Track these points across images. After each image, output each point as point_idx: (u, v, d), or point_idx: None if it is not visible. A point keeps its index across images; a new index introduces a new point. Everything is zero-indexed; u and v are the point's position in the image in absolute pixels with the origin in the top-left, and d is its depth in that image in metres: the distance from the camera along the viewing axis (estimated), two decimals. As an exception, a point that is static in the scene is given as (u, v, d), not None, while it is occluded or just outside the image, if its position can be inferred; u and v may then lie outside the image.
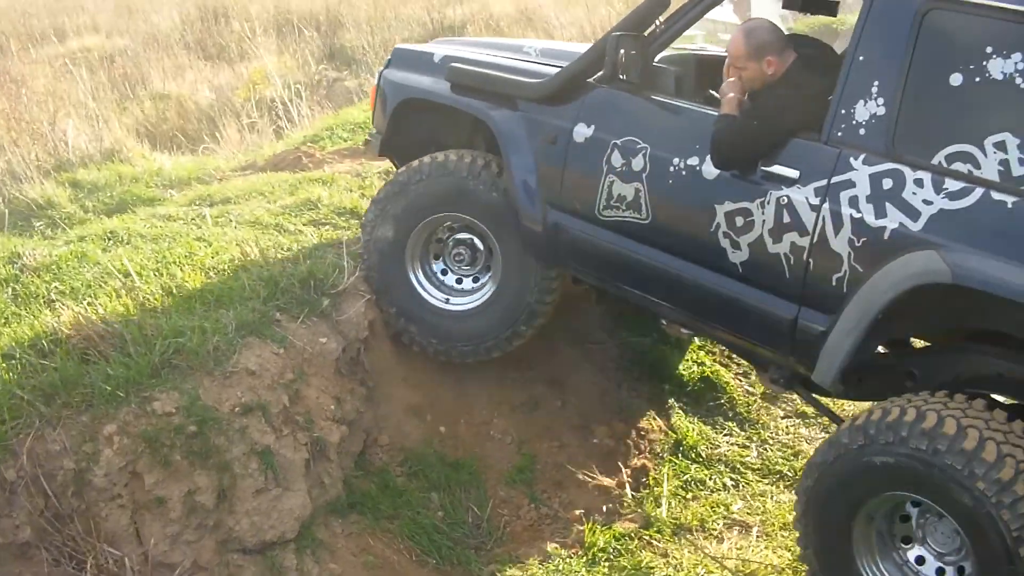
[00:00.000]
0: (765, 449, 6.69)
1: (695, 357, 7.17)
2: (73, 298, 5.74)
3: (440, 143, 6.25)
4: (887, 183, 4.31)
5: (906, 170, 4.27)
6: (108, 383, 4.99)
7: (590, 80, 5.43)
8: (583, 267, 5.66)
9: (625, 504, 6.10)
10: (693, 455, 6.54)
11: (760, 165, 4.70)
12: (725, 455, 6.57)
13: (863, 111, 4.41)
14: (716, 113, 4.94)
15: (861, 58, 4.45)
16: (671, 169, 5.02)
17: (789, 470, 6.44)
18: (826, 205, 4.46)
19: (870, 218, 4.33)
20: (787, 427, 6.91)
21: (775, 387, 5.41)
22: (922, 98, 4.28)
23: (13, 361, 5.12)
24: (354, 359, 5.95)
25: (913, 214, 4.22)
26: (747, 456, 6.60)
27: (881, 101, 4.36)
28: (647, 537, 5.76)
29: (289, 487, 5.26)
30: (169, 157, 9.24)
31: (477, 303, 6.06)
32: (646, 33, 5.24)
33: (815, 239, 4.50)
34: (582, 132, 5.38)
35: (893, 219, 4.27)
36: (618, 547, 5.68)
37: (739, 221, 4.77)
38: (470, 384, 6.44)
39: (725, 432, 6.77)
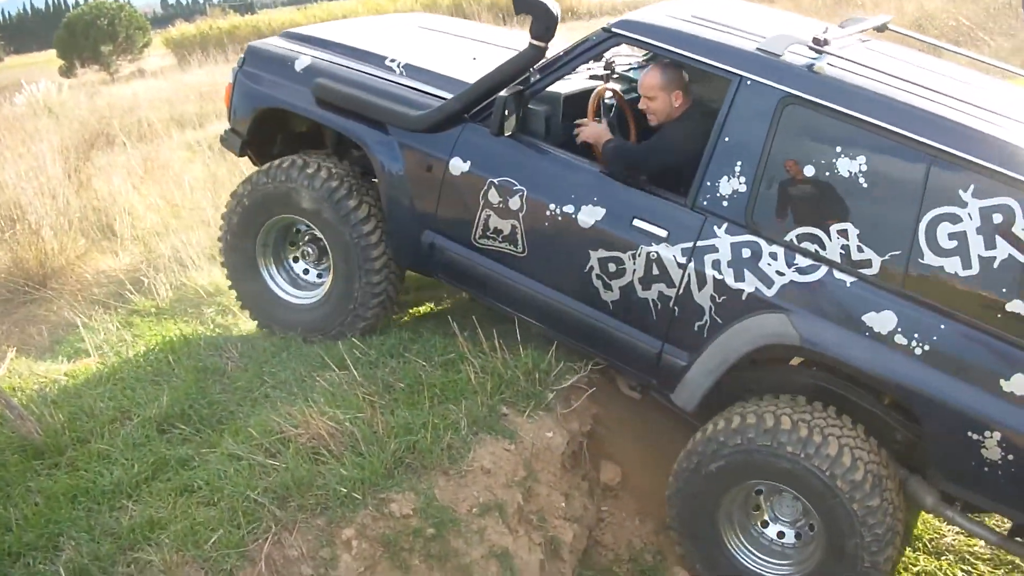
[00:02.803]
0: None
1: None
2: (285, 392, 5.52)
3: (298, 144, 6.51)
4: (746, 252, 4.91)
5: (763, 243, 4.87)
6: (343, 484, 4.76)
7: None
8: (458, 283, 5.99)
9: None
10: (920, 546, 6.16)
11: (632, 220, 5.18)
12: (952, 545, 6.16)
13: (727, 186, 4.93)
14: (587, 165, 5.41)
15: (727, 139, 4.93)
16: (547, 213, 5.37)
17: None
18: (691, 264, 5.01)
19: (730, 280, 4.93)
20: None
21: (632, 393, 5.97)
22: (779, 182, 4.83)
23: (241, 462, 4.91)
24: (576, 453, 5.64)
25: (768, 281, 4.86)
26: (975, 546, 6.17)
27: (743, 180, 4.89)
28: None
29: (527, 590, 4.95)
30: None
31: (317, 297, 6.24)
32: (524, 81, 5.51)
33: (680, 291, 5.07)
34: (458, 166, 5.62)
35: (750, 284, 4.89)
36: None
37: (611, 267, 5.25)
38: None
39: (945, 520, 6.33)
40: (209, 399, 5.58)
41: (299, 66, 6.12)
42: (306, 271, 6.39)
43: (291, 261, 6.43)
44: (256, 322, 6.57)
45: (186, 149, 12.01)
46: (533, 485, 5.23)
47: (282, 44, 6.46)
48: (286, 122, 6.50)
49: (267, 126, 6.43)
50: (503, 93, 5.37)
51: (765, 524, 5.24)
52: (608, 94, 5.91)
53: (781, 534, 5.20)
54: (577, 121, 5.69)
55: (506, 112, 5.36)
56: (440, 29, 7.17)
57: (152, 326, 7.68)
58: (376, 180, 6.02)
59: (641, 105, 5.54)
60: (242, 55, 6.47)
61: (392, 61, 6.06)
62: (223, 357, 6.08)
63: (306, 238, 6.31)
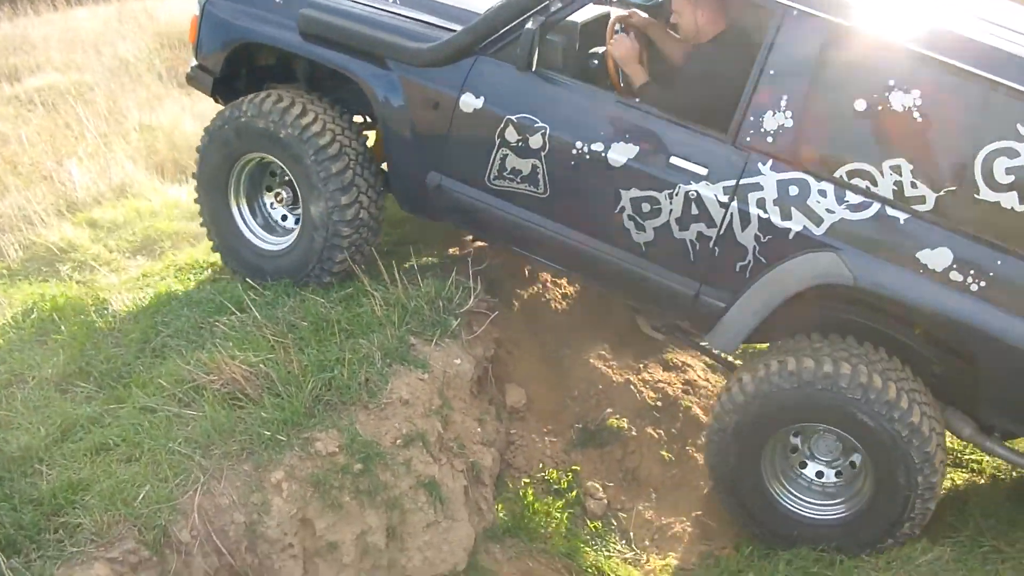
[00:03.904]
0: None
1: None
2: (184, 340, 5.37)
3: (264, 79, 6.12)
4: (793, 189, 4.74)
5: (811, 180, 4.72)
6: (266, 427, 4.69)
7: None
8: (468, 227, 5.83)
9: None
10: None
11: (669, 158, 4.94)
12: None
13: (772, 121, 4.75)
14: (620, 100, 5.15)
15: (772, 72, 4.73)
16: (573, 152, 5.09)
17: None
18: (734, 203, 4.82)
19: (776, 219, 4.77)
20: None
21: (655, 334, 5.93)
22: (828, 117, 4.69)
23: (156, 414, 4.77)
24: (482, 378, 5.68)
25: (816, 220, 4.71)
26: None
27: (789, 114, 4.71)
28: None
29: (454, 517, 5.01)
30: (180, 188, 8.78)
31: (289, 242, 5.88)
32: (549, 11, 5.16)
33: (722, 231, 4.88)
34: (470, 103, 5.30)
35: (798, 222, 4.74)
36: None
37: (645, 207, 5.01)
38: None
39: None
40: (105, 354, 5.38)
41: None
42: (284, 217, 6.02)
43: (266, 205, 6.06)
44: (228, 266, 6.18)
45: (7, 105, 11.41)
46: (449, 413, 5.22)
47: None
48: (252, 57, 6.08)
49: (233, 62, 5.99)
50: (531, 25, 5.06)
51: (803, 466, 5.19)
52: (617, 25, 5.53)
53: (820, 474, 5.16)
54: (595, 50, 5.47)
55: (535, 45, 5.06)
56: None
57: (7, 288, 7.32)
58: (355, 118, 5.78)
59: (673, 19, 5.26)
60: None
61: None
62: (109, 311, 5.85)
63: (281, 180, 5.95)
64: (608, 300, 6.45)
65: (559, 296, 6.75)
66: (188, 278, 6.34)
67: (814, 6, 4.64)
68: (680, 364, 6.71)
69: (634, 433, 6.07)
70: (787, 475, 5.17)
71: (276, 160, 5.70)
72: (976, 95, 4.43)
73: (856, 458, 5.02)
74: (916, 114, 4.50)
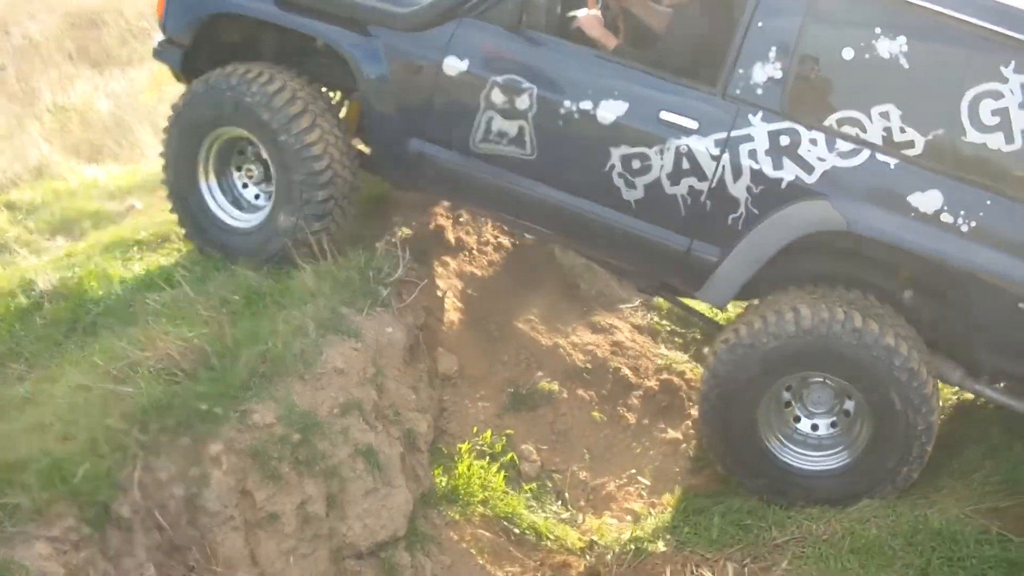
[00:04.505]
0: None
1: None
2: (115, 317, 5.36)
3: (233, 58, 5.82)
4: (784, 139, 4.84)
5: (801, 129, 4.82)
6: (202, 401, 4.68)
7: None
8: (452, 194, 5.85)
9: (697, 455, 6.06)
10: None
11: (659, 113, 5.01)
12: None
13: (760, 72, 4.85)
14: (607, 57, 5.23)
15: (759, 23, 4.82)
16: (561, 111, 5.12)
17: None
18: (726, 155, 4.89)
19: (768, 169, 4.86)
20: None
21: (642, 294, 6.09)
22: (816, 66, 4.81)
23: (91, 392, 4.74)
24: (414, 346, 5.72)
25: (808, 168, 4.81)
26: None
27: (778, 65, 4.82)
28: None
29: (392, 483, 5.04)
30: (98, 168, 8.70)
31: (258, 220, 5.79)
32: None
33: (713, 184, 4.95)
34: (454, 65, 5.28)
35: (790, 171, 4.83)
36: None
37: (635, 164, 5.05)
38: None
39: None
40: (35, 334, 5.35)
41: None
42: (257, 196, 5.89)
43: (236, 181, 5.90)
44: (194, 244, 6.02)
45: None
46: (383, 381, 5.26)
47: None
48: (216, 33, 5.89)
49: (198, 37, 5.82)
50: None
51: (797, 420, 5.24)
52: None
53: (815, 427, 5.22)
54: (572, 13, 5.50)
55: (525, 2, 5.05)
56: None
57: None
58: (326, 89, 5.70)
59: None
60: None
61: None
62: (36, 291, 5.80)
63: (252, 156, 5.80)
64: (536, 265, 6.54)
65: (486, 263, 6.81)
66: (114, 256, 6.28)
67: None
68: (608, 326, 6.82)
69: (565, 395, 6.19)
70: (783, 430, 5.22)
71: (251, 136, 5.59)
72: (960, 39, 4.60)
73: (849, 405, 5.10)
74: (903, 60, 4.65)
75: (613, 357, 6.55)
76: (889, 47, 4.65)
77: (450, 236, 6.66)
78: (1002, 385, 5.24)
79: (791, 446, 5.20)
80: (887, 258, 4.97)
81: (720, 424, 5.16)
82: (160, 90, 10.31)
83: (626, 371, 6.46)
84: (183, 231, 6.08)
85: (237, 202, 5.90)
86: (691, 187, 4.98)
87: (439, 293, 6.15)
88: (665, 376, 6.54)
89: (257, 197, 5.90)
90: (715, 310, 6.08)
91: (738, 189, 4.91)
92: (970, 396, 5.71)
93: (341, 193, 5.61)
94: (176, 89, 6.16)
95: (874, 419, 4.96)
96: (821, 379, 5.08)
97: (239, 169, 5.88)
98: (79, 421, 4.57)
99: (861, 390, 4.93)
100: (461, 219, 6.83)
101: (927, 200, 4.69)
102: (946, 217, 4.67)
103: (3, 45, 12.51)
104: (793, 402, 5.20)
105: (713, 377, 5.08)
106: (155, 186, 7.58)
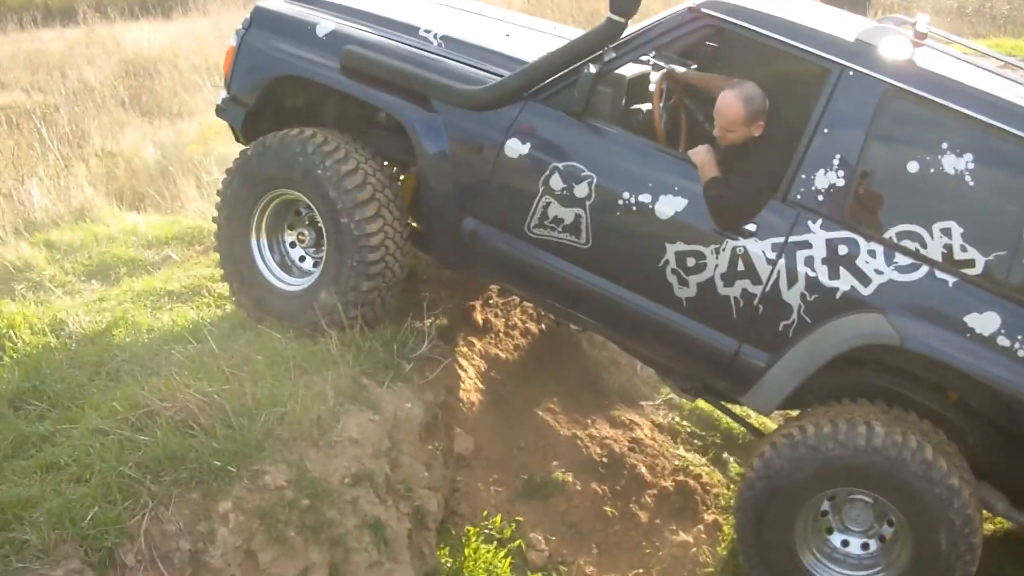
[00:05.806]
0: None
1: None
2: (139, 365, 5.39)
3: (295, 121, 5.81)
4: (842, 249, 4.76)
5: (860, 240, 4.74)
6: (216, 457, 4.70)
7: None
8: (501, 276, 5.70)
9: (706, 560, 6.00)
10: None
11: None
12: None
13: (823, 180, 4.78)
14: (671, 153, 5.18)
15: (826, 130, 4.78)
16: (620, 202, 5.08)
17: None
18: (782, 260, 4.82)
19: (824, 278, 4.77)
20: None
21: (684, 395, 5.77)
22: (879, 177, 4.77)
23: (108, 437, 4.77)
24: (431, 424, 5.73)
25: (865, 280, 4.72)
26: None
27: (841, 173, 4.75)
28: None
29: (397, 559, 5.03)
30: (139, 215, 8.80)
31: (306, 285, 5.70)
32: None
33: (767, 288, 4.87)
34: (516, 148, 5.26)
35: (846, 282, 4.75)
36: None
37: (690, 262, 4.99)
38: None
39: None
40: (60, 374, 5.37)
41: (321, 31, 5.61)
42: (302, 258, 5.84)
43: (285, 239, 5.85)
44: (241, 307, 5.94)
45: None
46: (397, 455, 5.28)
47: (291, 7, 5.88)
48: (280, 96, 5.94)
49: (263, 99, 5.85)
50: (590, 70, 5.06)
51: (830, 531, 5.09)
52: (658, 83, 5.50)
53: (845, 543, 5.07)
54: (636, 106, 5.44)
55: (592, 91, 5.05)
56: (454, 5, 6.54)
57: (-39, 306, 7.29)
58: (387, 163, 5.67)
59: (717, 133, 5.12)
60: (248, 17, 5.84)
61: (427, 32, 5.63)
62: (66, 331, 5.85)
63: (307, 220, 5.75)
64: (561, 354, 6.54)
65: (511, 347, 6.83)
66: (145, 305, 6.34)
67: (871, 67, 4.73)
68: (628, 422, 6.80)
69: (579, 487, 6.15)
70: (819, 547, 5.08)
71: (312, 205, 5.53)
72: None
73: (886, 531, 4.97)
74: (968, 177, 4.57)
75: (630, 453, 6.52)
76: (955, 163, 4.58)
77: (478, 317, 6.69)
78: None
79: (827, 562, 5.08)
80: (937, 378, 4.88)
81: (755, 516, 5.00)
82: (206, 144, 10.47)
83: (642, 468, 6.41)
84: (222, 273, 6.03)
85: (283, 263, 5.85)
86: (744, 290, 4.91)
87: (462, 373, 6.16)
88: (681, 477, 6.48)
89: (303, 259, 5.84)
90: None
91: (792, 295, 4.82)
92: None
93: (387, 284, 5.56)
94: (224, 145, 6.23)
95: (914, 539, 4.80)
96: (871, 499, 4.91)
97: (292, 228, 5.85)
98: (94, 465, 4.61)
99: (910, 520, 4.78)
100: (491, 301, 6.87)
101: (984, 321, 4.58)
102: (1003, 340, 4.55)
103: (58, 87, 12.77)
104: (831, 513, 5.05)
105: (765, 467, 4.91)
106: (192, 239, 7.73)
